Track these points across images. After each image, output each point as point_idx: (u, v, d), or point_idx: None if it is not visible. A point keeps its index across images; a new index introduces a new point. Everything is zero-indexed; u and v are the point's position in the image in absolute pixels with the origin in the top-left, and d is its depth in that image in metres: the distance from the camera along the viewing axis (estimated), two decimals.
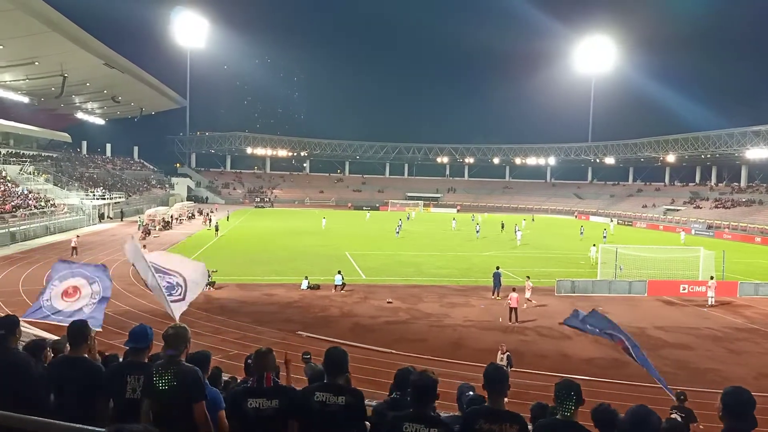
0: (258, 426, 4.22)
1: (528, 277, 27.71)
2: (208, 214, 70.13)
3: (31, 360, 4.88)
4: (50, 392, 4.64)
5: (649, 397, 14.02)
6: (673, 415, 9.20)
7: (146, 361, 4.78)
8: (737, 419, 3.45)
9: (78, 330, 4.93)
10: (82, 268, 8.51)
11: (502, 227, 64.14)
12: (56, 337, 8.33)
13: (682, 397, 10.34)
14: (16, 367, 4.63)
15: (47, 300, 8.07)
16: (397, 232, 57.64)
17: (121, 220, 66.22)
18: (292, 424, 4.26)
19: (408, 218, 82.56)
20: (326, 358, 4.43)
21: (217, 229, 54.11)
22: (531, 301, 26.01)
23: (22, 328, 8.51)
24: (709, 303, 27.64)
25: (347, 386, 4.32)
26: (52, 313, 7.94)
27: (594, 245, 41.52)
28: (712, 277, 29.15)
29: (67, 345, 5.09)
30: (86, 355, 4.96)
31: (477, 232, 58.97)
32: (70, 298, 8.10)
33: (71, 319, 8.21)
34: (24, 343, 5.76)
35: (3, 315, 5.53)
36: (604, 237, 55.04)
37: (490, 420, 3.94)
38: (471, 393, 5.53)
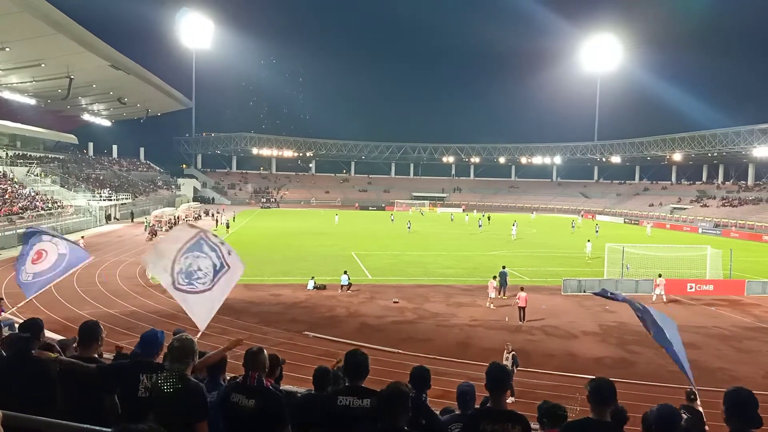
0: (238, 421, 4.23)
1: (494, 277, 27.25)
2: (214, 215, 70.44)
3: (54, 364, 4.89)
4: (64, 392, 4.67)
5: (657, 396, 13.97)
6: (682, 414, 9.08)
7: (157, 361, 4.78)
8: (742, 420, 3.46)
9: (89, 330, 4.94)
10: (51, 235, 8.54)
11: (489, 219, 75.89)
12: (62, 337, 8.37)
13: (692, 396, 10.21)
14: (40, 371, 4.64)
15: (27, 274, 8.05)
16: (408, 227, 62.67)
17: (131, 221, 66.45)
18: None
19: (422, 214, 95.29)
20: (348, 361, 4.40)
21: (228, 226, 57.83)
22: (493, 300, 25.91)
23: None
24: (654, 299, 27.50)
25: (373, 389, 4.25)
26: (34, 280, 7.92)
27: (589, 241, 44.53)
28: (660, 275, 28.88)
29: (76, 344, 5.10)
30: (96, 356, 4.97)
31: (480, 226, 66.54)
32: (39, 259, 8.09)
33: (52, 278, 8.16)
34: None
35: (28, 318, 5.53)
36: (597, 232, 59.57)
37: (493, 421, 3.92)
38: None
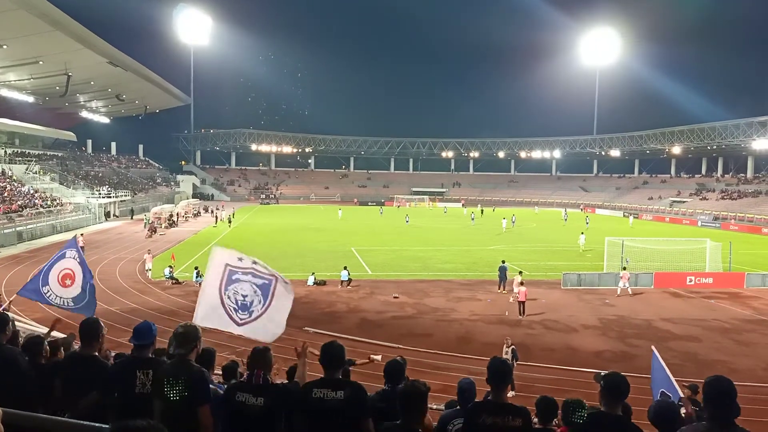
0: (244, 420, 4.24)
1: (520, 273, 27.62)
2: (213, 212, 70.37)
3: (20, 355, 4.89)
4: (47, 387, 4.70)
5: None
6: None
7: (151, 356, 4.80)
8: (719, 408, 3.49)
9: (90, 328, 4.94)
10: (78, 252, 8.89)
11: (482, 212, 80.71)
12: (63, 335, 8.36)
13: (697, 389, 10.18)
14: (4, 363, 4.65)
15: (47, 287, 8.30)
16: (407, 221, 65.43)
17: (131, 218, 66.39)
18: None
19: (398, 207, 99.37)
20: (324, 352, 4.39)
21: (230, 221, 60.94)
22: (517, 294, 25.80)
23: (26, 325, 8.57)
24: (618, 293, 27.51)
25: (346, 380, 4.30)
26: (55, 296, 8.16)
27: (582, 233, 45.69)
28: (624, 268, 28.96)
29: (78, 342, 5.11)
30: (97, 354, 4.97)
31: (472, 219, 68.96)
32: (67, 286, 8.35)
33: (71, 306, 8.53)
34: (23, 340, 5.81)
35: None
36: (587, 224, 62.56)
37: (493, 413, 3.92)
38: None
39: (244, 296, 6.49)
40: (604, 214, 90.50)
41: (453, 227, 62.88)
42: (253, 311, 6.47)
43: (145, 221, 55.82)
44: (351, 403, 4.10)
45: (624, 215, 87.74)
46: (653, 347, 8.22)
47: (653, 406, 4.25)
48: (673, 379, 6.88)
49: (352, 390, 4.16)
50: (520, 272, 26.96)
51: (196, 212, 74.99)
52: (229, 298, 6.49)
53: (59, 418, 3.21)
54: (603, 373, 4.22)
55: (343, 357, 4.39)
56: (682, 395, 6.38)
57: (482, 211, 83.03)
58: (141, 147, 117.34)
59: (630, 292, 27.74)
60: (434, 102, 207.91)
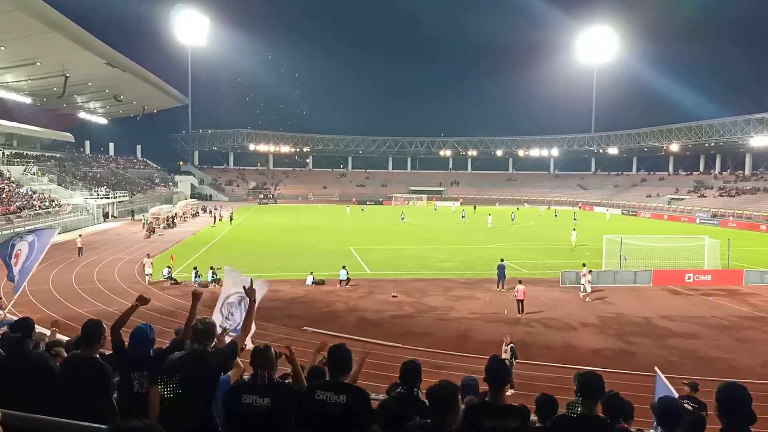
0: (252, 421, 4.21)
1: (584, 264, 27.65)
2: (212, 212, 70.39)
3: (51, 359, 4.90)
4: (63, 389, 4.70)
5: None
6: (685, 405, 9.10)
7: (150, 354, 4.82)
8: (732, 416, 3.42)
9: (93, 329, 4.94)
10: (19, 237, 10.29)
11: (474, 209, 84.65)
12: (67, 338, 8.38)
13: (697, 386, 10.21)
14: (38, 368, 4.65)
15: (15, 276, 9.47)
16: (402, 219, 68.09)
17: (131, 219, 66.32)
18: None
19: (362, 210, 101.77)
20: (331, 355, 4.36)
21: (231, 219, 63.25)
22: (588, 294, 25.74)
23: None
24: (582, 291, 26.33)
25: (350, 385, 4.25)
26: (20, 277, 9.70)
27: (574, 229, 46.78)
28: (584, 264, 27.89)
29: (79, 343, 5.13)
30: (97, 356, 4.97)
31: (462, 217, 69.99)
32: (18, 258, 9.84)
33: (30, 264, 9.79)
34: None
35: (19, 318, 5.55)
36: (575, 220, 64.54)
37: (491, 416, 3.90)
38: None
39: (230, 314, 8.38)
40: (602, 212, 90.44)
41: (448, 225, 63.04)
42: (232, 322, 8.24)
43: (143, 222, 55.78)
44: (353, 408, 4.06)
45: (623, 212, 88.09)
46: (656, 368, 8.22)
47: (657, 404, 4.24)
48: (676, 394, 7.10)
49: (355, 395, 4.11)
50: (584, 264, 26.99)
51: (194, 212, 74.98)
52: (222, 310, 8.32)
53: (58, 419, 3.22)
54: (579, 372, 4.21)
55: (350, 361, 4.35)
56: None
57: (474, 208, 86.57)
58: (139, 148, 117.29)
59: (589, 290, 26.70)
60: (432, 101, 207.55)
